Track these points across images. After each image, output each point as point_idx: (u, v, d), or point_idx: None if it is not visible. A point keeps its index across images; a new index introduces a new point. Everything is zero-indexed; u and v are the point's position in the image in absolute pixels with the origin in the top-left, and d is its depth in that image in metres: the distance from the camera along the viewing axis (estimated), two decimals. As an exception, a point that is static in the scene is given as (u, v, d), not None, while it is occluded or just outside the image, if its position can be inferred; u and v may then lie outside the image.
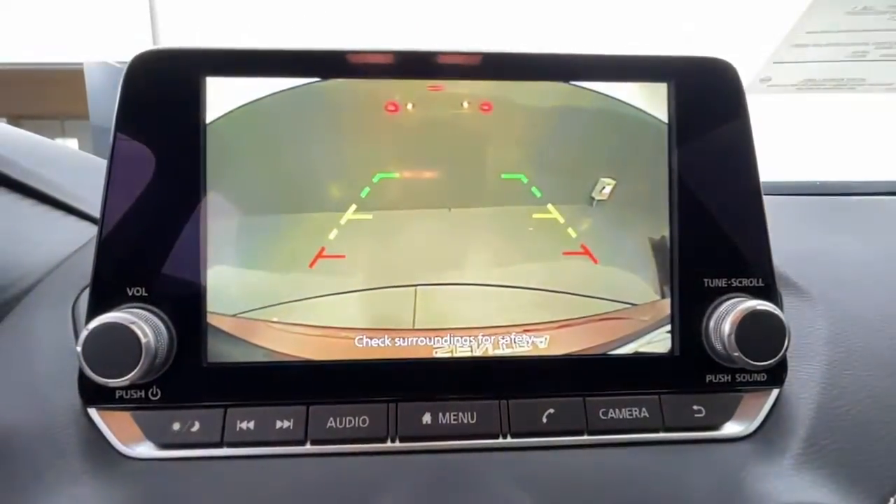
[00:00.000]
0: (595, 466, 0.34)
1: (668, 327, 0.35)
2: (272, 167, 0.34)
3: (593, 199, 0.35)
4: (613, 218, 0.35)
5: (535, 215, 0.35)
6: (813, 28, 0.54)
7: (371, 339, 0.34)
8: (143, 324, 0.31)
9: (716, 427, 0.35)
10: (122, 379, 0.30)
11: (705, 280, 0.35)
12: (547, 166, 0.35)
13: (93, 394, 0.32)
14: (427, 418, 0.34)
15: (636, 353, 0.35)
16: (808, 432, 0.34)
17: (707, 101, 0.36)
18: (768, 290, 0.35)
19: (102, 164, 0.33)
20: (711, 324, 0.34)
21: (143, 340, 0.30)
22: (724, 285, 0.35)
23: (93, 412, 0.33)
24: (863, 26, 0.53)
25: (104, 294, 0.32)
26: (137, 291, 0.33)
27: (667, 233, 0.35)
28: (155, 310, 0.32)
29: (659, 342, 0.35)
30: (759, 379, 0.35)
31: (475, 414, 0.34)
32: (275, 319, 0.34)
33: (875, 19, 0.53)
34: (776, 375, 0.35)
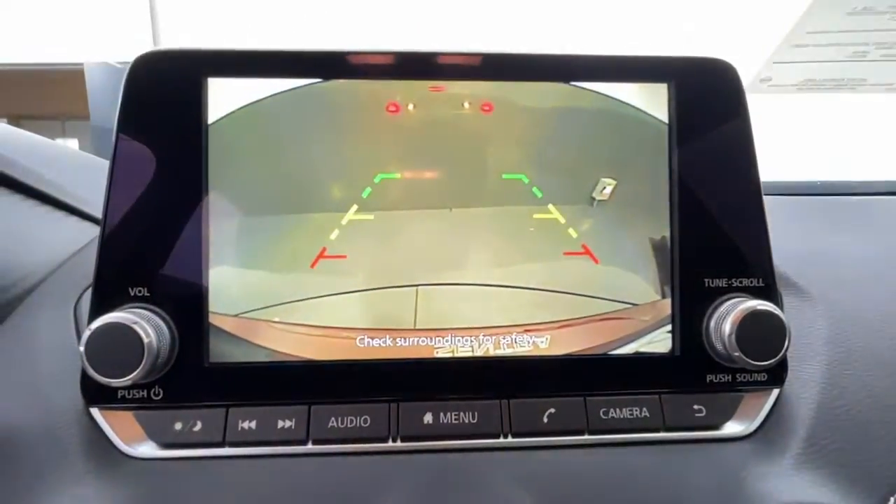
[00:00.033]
0: (596, 466, 0.34)
1: (669, 327, 0.35)
2: (273, 168, 0.34)
3: (594, 199, 0.36)
4: (614, 218, 0.36)
5: (536, 215, 0.35)
6: (813, 28, 0.54)
7: (372, 339, 0.34)
8: (146, 324, 0.31)
9: (716, 427, 0.35)
10: (125, 379, 0.30)
11: (706, 280, 0.35)
12: (548, 166, 0.35)
13: (95, 393, 0.32)
14: (428, 418, 0.34)
15: (637, 353, 0.35)
16: (808, 432, 0.34)
17: (707, 101, 0.36)
18: (769, 290, 0.35)
19: (103, 164, 0.34)
20: (712, 324, 0.34)
21: (146, 340, 0.30)
22: (724, 285, 0.35)
23: (95, 412, 0.33)
24: (863, 26, 0.53)
25: (107, 294, 0.33)
26: (140, 291, 0.33)
27: (667, 233, 0.36)
28: (157, 310, 0.33)
29: (659, 342, 0.35)
30: (759, 379, 0.35)
31: (476, 414, 0.34)
32: (276, 319, 0.34)
33: (875, 19, 0.53)
34: (776, 375, 0.35)
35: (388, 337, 0.34)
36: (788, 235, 0.40)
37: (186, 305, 0.33)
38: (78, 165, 0.49)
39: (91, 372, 0.30)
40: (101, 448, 0.33)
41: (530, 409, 0.34)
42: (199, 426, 0.33)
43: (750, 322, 0.33)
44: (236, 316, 0.34)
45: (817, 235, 0.47)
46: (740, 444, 0.35)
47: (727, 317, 0.33)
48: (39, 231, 0.41)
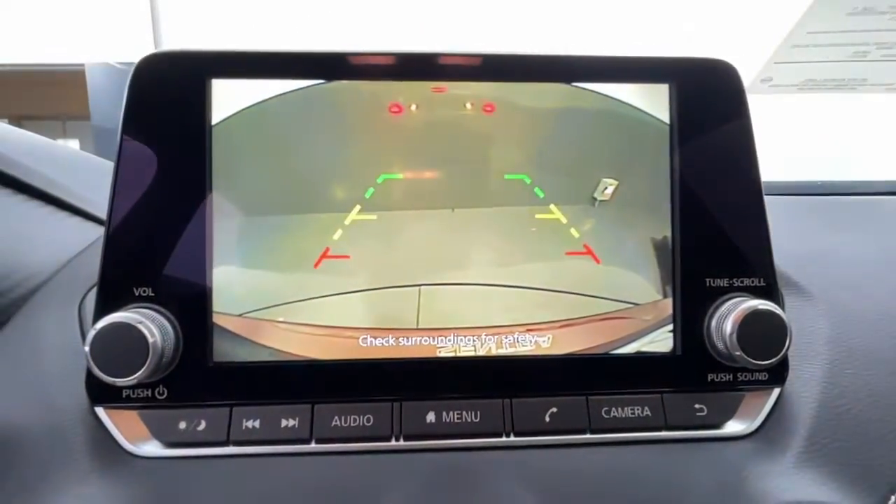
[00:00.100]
0: (598, 465, 0.34)
1: (670, 327, 0.35)
2: (277, 168, 0.34)
3: (595, 199, 0.36)
4: (616, 218, 0.36)
5: (538, 215, 0.35)
6: (814, 28, 0.54)
7: (375, 338, 0.34)
8: (150, 323, 0.31)
9: (718, 426, 0.35)
10: (130, 378, 0.30)
11: (707, 280, 0.35)
12: (549, 167, 0.36)
13: (100, 393, 0.33)
14: (431, 417, 0.34)
15: (638, 353, 0.35)
16: (809, 431, 0.35)
17: (708, 101, 0.36)
18: (770, 290, 0.36)
19: (105, 164, 0.34)
20: (713, 323, 0.35)
21: (150, 340, 0.30)
22: (725, 285, 0.35)
23: (100, 411, 0.33)
24: (863, 27, 0.53)
25: (111, 294, 0.33)
26: (144, 291, 0.33)
27: (669, 233, 0.36)
28: (161, 309, 0.33)
29: (661, 341, 0.35)
30: (760, 378, 0.35)
31: (479, 413, 0.34)
32: (280, 319, 0.34)
33: (876, 19, 0.53)
34: (777, 374, 0.36)
35: (390, 336, 0.34)
36: (789, 235, 0.40)
37: (190, 305, 0.33)
38: (80, 166, 0.49)
39: (96, 371, 0.30)
40: (105, 447, 0.33)
41: (532, 409, 0.35)
42: (203, 425, 0.33)
43: (751, 321, 0.33)
44: (240, 316, 0.34)
45: (818, 235, 0.47)
46: (741, 443, 0.35)
47: (728, 316, 0.33)
48: (43, 231, 0.41)
